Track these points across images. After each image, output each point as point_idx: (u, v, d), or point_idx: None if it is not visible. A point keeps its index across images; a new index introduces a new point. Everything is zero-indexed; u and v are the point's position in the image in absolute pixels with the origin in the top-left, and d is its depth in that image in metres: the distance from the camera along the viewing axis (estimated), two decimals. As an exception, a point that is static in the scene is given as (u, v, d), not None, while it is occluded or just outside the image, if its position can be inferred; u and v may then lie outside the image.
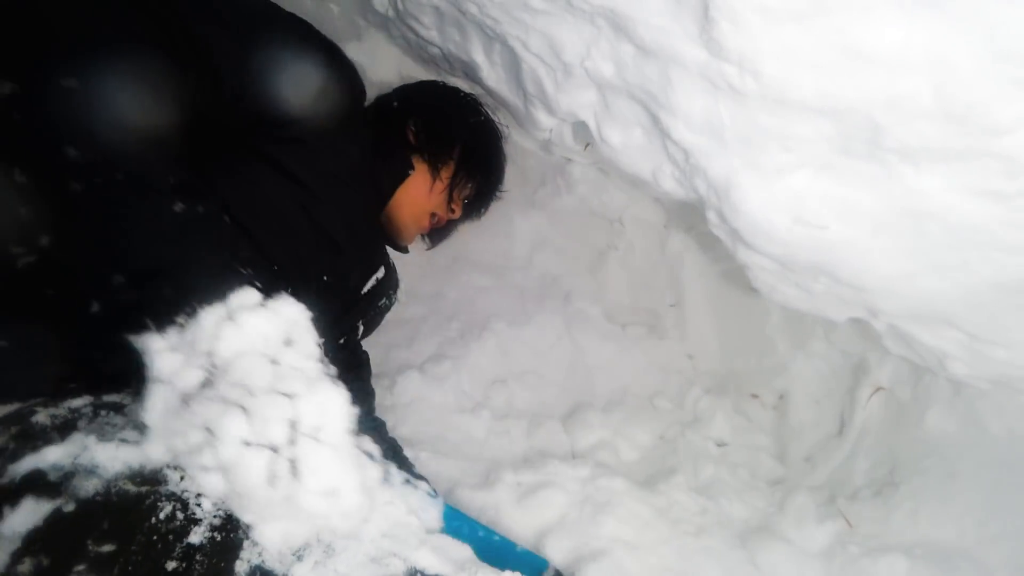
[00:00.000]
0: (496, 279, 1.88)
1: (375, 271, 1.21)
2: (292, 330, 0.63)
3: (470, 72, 1.55)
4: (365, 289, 1.19)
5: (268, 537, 0.60)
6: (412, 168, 1.18)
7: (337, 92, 0.95)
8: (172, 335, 0.61)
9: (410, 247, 1.39)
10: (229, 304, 0.62)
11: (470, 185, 1.27)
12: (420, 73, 1.93)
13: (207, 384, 0.59)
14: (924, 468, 1.24)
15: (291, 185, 0.93)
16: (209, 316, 0.61)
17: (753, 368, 1.71)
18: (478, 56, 1.45)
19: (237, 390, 0.58)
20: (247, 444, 0.57)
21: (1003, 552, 1.09)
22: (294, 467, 0.58)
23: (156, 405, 0.59)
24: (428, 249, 1.50)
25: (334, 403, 0.62)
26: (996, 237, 0.83)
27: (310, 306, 0.66)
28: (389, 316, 1.79)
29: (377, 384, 1.45)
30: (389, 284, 1.26)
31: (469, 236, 1.92)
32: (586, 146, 1.61)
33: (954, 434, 1.22)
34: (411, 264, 1.84)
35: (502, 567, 0.75)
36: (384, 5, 1.65)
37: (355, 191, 1.04)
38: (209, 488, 0.59)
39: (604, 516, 1.21)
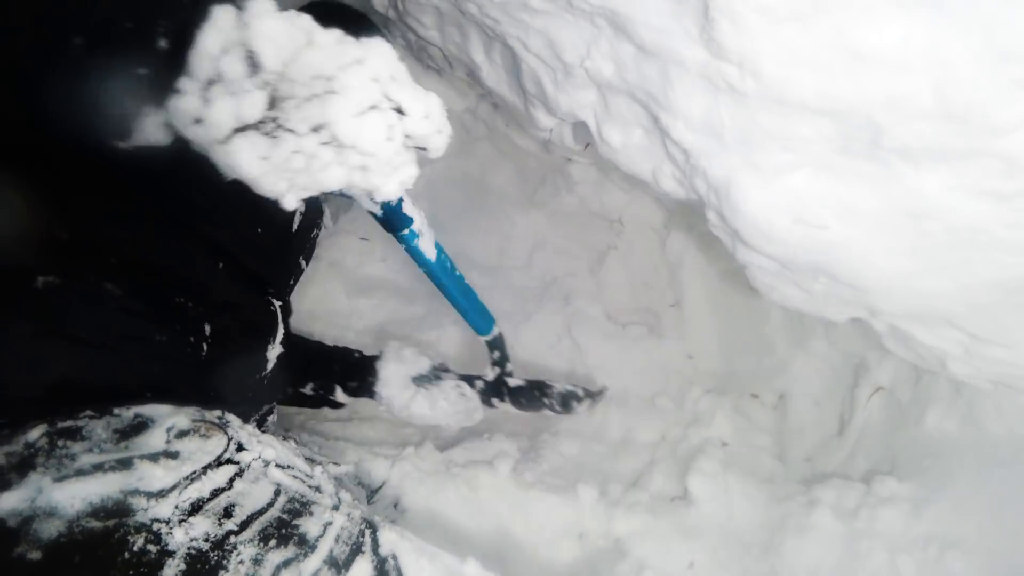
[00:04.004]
0: (496, 279, 1.88)
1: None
2: (299, 20, 0.62)
3: (470, 72, 1.55)
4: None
5: (389, 191, 0.67)
6: None
7: None
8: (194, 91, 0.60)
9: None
10: (236, 28, 0.59)
11: None
12: (420, 74, 1.93)
13: (275, 102, 0.59)
14: (924, 468, 1.24)
15: None
16: (213, 41, 0.59)
17: (753, 368, 1.70)
18: (478, 56, 1.45)
19: (312, 83, 0.60)
20: (357, 114, 0.61)
21: (1003, 551, 1.09)
22: (399, 110, 0.64)
23: (249, 160, 0.60)
24: None
25: (386, 49, 0.65)
26: (996, 237, 0.83)
27: None
28: (389, 316, 1.80)
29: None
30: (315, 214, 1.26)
31: (469, 236, 1.92)
32: (586, 146, 1.61)
33: (954, 434, 1.22)
34: (411, 263, 1.84)
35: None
36: (384, 5, 1.65)
37: None
38: (334, 177, 0.63)
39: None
